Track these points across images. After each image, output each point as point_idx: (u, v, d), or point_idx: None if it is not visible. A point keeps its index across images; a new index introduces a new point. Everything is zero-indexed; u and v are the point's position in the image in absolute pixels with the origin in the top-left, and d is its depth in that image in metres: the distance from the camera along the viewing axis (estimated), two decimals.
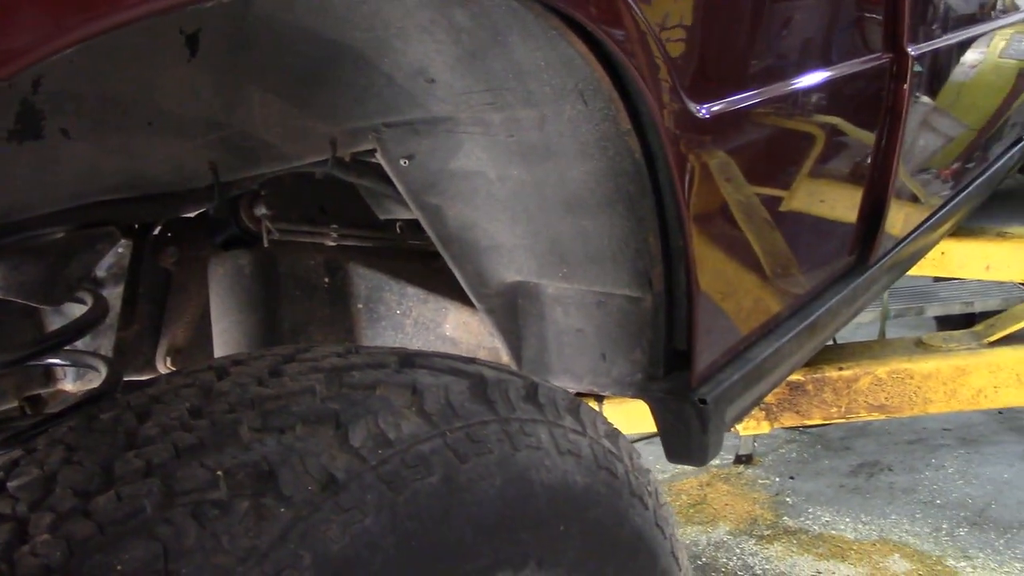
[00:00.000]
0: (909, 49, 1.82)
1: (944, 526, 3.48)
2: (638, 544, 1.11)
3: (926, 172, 2.26)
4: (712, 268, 1.32)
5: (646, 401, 1.35)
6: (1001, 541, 3.36)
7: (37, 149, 0.93)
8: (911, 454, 4.05)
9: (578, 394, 1.30)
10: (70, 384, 1.53)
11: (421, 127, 1.24)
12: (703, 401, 1.31)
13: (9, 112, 0.88)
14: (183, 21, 0.96)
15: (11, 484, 0.77)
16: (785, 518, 3.61)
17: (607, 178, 1.20)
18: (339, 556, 0.76)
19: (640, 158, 1.16)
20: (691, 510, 3.70)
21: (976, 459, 3.98)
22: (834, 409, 2.56)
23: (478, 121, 1.20)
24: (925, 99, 2.05)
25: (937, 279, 4.56)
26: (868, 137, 1.79)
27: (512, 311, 1.40)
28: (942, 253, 2.75)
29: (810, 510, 3.65)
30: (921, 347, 2.64)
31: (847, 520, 3.56)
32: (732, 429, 1.64)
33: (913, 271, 2.53)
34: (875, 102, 1.79)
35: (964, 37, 2.30)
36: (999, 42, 2.67)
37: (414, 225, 1.48)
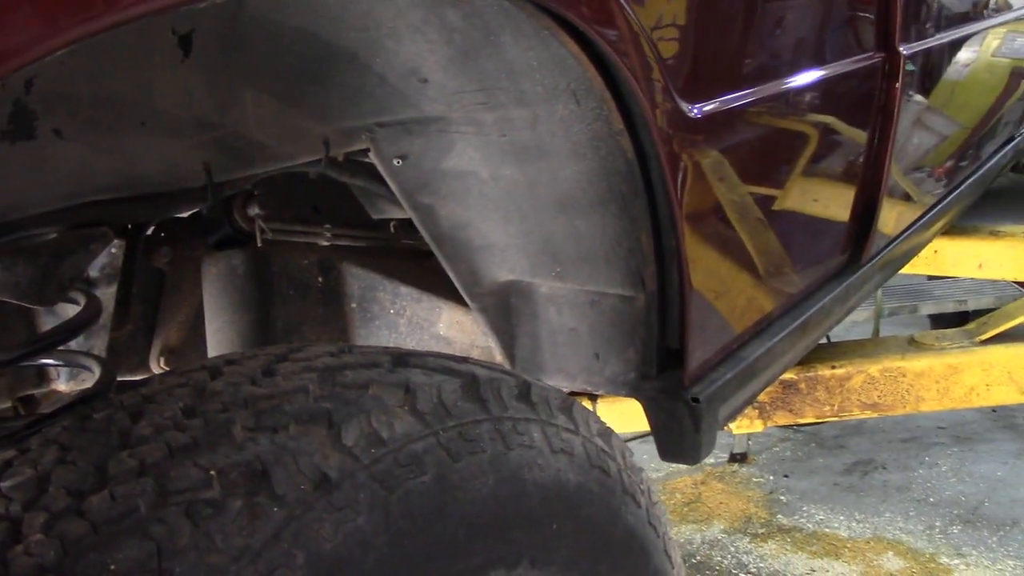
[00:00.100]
0: (901, 48, 1.82)
1: (937, 524, 3.49)
2: (631, 542, 1.11)
3: (919, 171, 2.26)
4: (705, 267, 1.32)
5: (639, 400, 1.36)
6: (994, 539, 3.37)
7: (30, 149, 0.93)
8: (905, 452, 4.06)
9: (572, 393, 1.30)
10: (63, 384, 1.53)
11: (414, 127, 1.24)
12: (696, 400, 1.32)
13: (2, 112, 0.88)
14: (176, 22, 0.96)
15: (5, 484, 0.77)
16: (779, 516, 3.61)
17: (600, 178, 1.20)
18: (332, 555, 0.76)
19: (632, 158, 1.16)
20: (685, 508, 3.70)
21: (970, 457, 3.99)
22: (827, 407, 2.57)
23: (471, 121, 1.20)
24: (917, 98, 2.06)
25: (931, 277, 4.57)
26: (860, 136, 1.79)
27: (505, 310, 1.40)
28: (935, 251, 2.76)
29: (804, 508, 3.66)
30: (914, 345, 2.64)
31: (841, 518, 3.57)
32: (725, 427, 1.65)
33: (907, 269, 2.53)
34: (867, 101, 1.79)
35: (957, 36, 2.30)
36: (992, 41, 2.68)
37: (407, 225, 1.48)
